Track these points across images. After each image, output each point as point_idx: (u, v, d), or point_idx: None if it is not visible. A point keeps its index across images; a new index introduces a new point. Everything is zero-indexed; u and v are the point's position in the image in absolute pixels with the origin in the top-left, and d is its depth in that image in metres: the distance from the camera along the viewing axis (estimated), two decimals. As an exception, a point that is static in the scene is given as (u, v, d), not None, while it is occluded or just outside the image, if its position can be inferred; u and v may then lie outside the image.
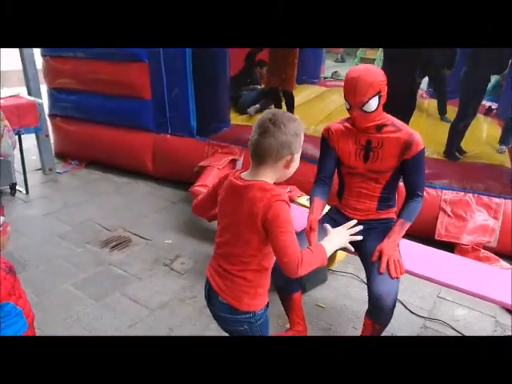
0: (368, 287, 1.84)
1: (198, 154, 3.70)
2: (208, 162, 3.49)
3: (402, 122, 1.92)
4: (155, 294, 2.54)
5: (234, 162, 3.57)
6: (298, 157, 1.33)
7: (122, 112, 3.97)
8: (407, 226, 1.90)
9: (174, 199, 3.79)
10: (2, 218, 1.27)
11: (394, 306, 1.79)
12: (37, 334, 2.18)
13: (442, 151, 3.78)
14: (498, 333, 2.27)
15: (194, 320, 2.33)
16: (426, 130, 4.27)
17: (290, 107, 4.06)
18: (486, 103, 5.15)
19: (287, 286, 2.01)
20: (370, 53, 10.98)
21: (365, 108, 1.77)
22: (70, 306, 2.41)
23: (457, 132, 3.75)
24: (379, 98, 1.77)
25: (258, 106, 4.67)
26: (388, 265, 1.79)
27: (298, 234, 2.01)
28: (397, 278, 1.79)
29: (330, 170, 2.06)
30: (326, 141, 2.01)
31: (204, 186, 3.14)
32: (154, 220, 3.43)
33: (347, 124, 1.96)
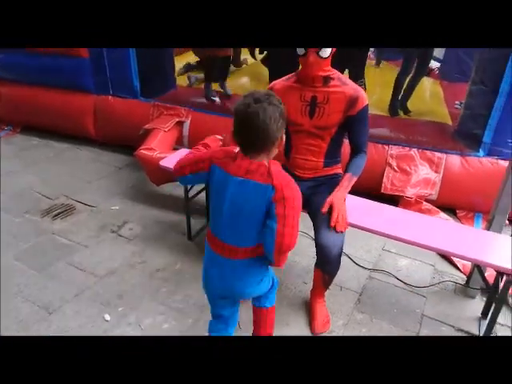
0: (315, 240, 1.87)
1: (143, 116, 3.54)
2: (153, 125, 3.35)
3: (347, 77, 1.92)
4: (103, 261, 2.45)
5: (180, 124, 3.45)
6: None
7: (57, 71, 3.69)
8: (354, 180, 1.94)
9: (119, 164, 3.63)
10: None
11: (340, 255, 1.86)
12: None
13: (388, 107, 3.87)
14: (436, 279, 2.41)
15: (144, 284, 2.28)
16: (379, 91, 4.31)
17: (226, 73, 3.93)
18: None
19: None
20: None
21: (321, 53, 1.75)
22: (9, 279, 2.28)
23: (399, 86, 3.88)
24: None
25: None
26: (336, 220, 1.82)
27: None
28: (341, 232, 1.83)
29: None
30: None
31: (150, 149, 3.02)
32: (99, 186, 3.28)
33: (291, 80, 1.93)
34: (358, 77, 3.82)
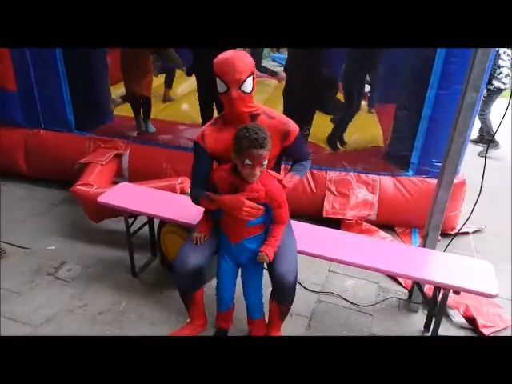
0: (269, 270, 1.88)
1: (78, 150, 3.41)
2: (90, 159, 3.23)
3: (272, 110, 1.90)
4: (38, 308, 2.28)
5: (119, 156, 3.36)
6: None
7: (-19, 105, 3.46)
8: (296, 178, 1.94)
9: (54, 200, 3.44)
10: None
11: (296, 282, 1.87)
12: None
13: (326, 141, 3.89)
14: (381, 296, 2.50)
15: (85, 330, 2.15)
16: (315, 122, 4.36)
17: (148, 113, 3.96)
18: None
19: (190, 284, 1.97)
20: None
21: (243, 87, 1.72)
22: None
23: (344, 124, 3.94)
24: (252, 79, 1.76)
25: None
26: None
27: None
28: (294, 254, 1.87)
29: (207, 176, 1.91)
30: (200, 147, 1.86)
31: (87, 185, 2.90)
32: (33, 225, 3.08)
33: (219, 124, 1.87)
34: (304, 122, 3.46)
